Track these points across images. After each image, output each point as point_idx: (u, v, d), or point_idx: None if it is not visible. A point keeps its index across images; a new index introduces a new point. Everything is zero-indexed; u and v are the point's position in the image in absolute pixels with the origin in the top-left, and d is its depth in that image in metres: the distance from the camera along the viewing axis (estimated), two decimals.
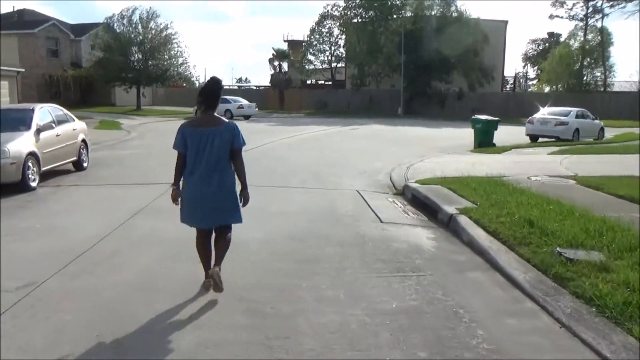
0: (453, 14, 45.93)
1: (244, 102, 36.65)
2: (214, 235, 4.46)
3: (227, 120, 4.35)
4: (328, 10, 50.86)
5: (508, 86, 60.92)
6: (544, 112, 21.98)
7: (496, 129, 18.14)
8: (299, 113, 44.44)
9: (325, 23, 51.54)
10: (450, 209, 7.20)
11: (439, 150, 16.90)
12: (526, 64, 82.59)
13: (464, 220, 6.63)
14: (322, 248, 5.67)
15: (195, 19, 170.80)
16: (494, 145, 17.73)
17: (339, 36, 52.06)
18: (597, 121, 22.48)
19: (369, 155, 15.36)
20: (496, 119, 18.30)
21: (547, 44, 76.44)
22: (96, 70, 40.16)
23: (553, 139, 20.84)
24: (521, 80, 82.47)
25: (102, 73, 39.33)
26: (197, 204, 4.24)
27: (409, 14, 46.17)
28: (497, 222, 6.32)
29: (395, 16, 46.43)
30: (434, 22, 43.95)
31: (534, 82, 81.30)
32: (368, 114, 42.06)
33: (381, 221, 7.07)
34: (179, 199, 4.31)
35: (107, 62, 38.88)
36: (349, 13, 49.38)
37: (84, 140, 11.62)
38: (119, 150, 15.74)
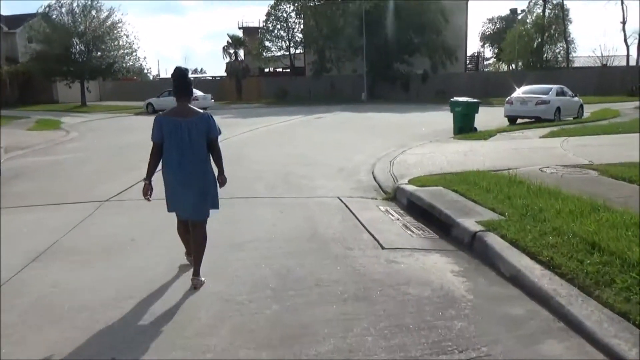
0: None
1: (199, 93, 34.07)
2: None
3: (201, 111, 4.35)
4: None
5: (470, 66, 59.83)
6: (521, 92, 20.58)
7: (477, 112, 16.55)
8: (259, 103, 42.13)
9: (281, 7, 49.12)
10: (470, 224, 5.43)
11: (417, 138, 15.21)
12: (484, 44, 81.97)
13: (495, 242, 4.86)
14: (310, 309, 3.77)
15: (147, 10, 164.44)
16: (475, 130, 16.15)
17: (297, 20, 49.83)
18: (576, 98, 21.25)
19: (343, 148, 13.52)
20: (476, 100, 16.70)
21: (504, 22, 75.97)
22: (34, 64, 36.73)
23: (532, 120, 19.50)
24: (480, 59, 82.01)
25: (41, 67, 35.98)
26: (176, 193, 4.28)
27: None
28: (545, 244, 4.58)
29: None
30: (394, 3, 42.19)
31: (490, 61, 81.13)
32: (331, 100, 40.14)
33: (382, 247, 5.23)
34: (149, 193, 4.32)
35: (46, 56, 35.55)
36: None
37: None
38: (50, 155, 13.38)
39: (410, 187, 7.44)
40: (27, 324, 3.60)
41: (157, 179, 4.31)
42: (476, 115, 16.48)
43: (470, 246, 5.18)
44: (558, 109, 19.43)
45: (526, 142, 13.00)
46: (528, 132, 15.49)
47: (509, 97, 20.13)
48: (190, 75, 4.50)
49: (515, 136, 14.48)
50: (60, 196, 7.92)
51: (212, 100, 34.37)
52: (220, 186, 4.51)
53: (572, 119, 20.45)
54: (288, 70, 54.02)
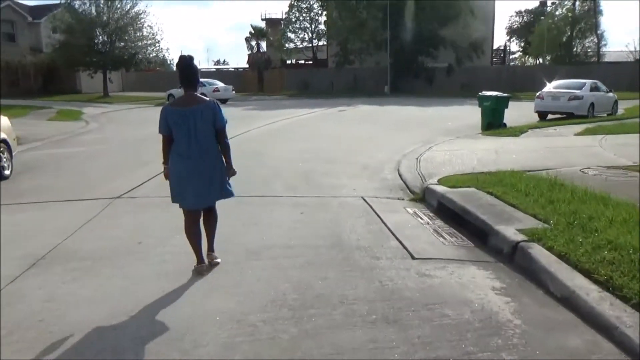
0: None
1: (220, 84, 33.82)
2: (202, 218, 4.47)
3: (208, 99, 4.24)
4: None
5: (495, 60, 58.41)
6: (551, 87, 19.74)
7: (507, 107, 15.84)
8: (280, 95, 41.67)
9: None
10: (510, 232, 4.88)
11: (443, 133, 14.60)
12: (511, 37, 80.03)
13: (542, 255, 4.31)
14: (333, 334, 3.27)
15: (172, 1, 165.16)
16: (505, 125, 15.46)
17: (319, 12, 49.13)
18: (610, 94, 20.31)
19: (366, 143, 12.98)
20: (506, 95, 15.99)
21: (532, 16, 74.09)
22: (58, 55, 36.76)
23: (563, 116, 18.68)
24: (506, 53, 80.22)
25: (64, 58, 35.99)
26: (186, 185, 4.19)
27: None
28: (600, 259, 4.02)
29: None
30: None
31: (515, 55, 79.29)
32: (353, 93, 39.53)
33: (412, 257, 4.71)
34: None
35: (69, 46, 35.53)
36: None
37: (3, 141, 8.98)
38: (66, 147, 13.11)
39: (441, 188, 6.89)
40: (8, 350, 3.17)
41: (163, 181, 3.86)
42: (506, 110, 15.78)
43: (510, 258, 4.64)
44: (592, 104, 18.59)
45: (561, 139, 12.29)
46: (562, 128, 14.74)
47: (539, 92, 19.32)
48: (195, 63, 4.33)
49: (549, 133, 13.75)
50: (71, 192, 7.56)
51: (234, 92, 34.01)
52: (228, 178, 4.43)
53: (605, 115, 19.55)
54: (310, 62, 53.44)
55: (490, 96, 15.75)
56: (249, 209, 6.36)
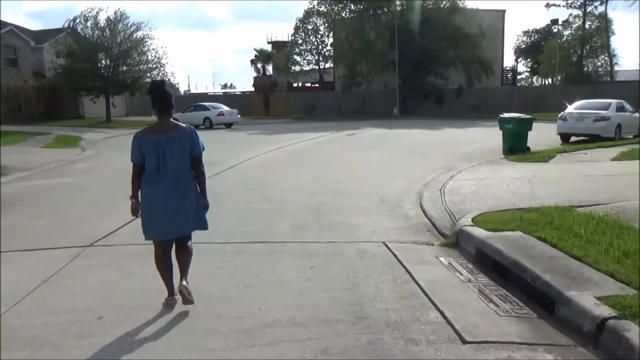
0: (446, 4, 42.65)
1: (225, 108, 32.94)
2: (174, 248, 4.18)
3: (184, 126, 4.05)
4: (314, 6, 47.26)
5: (506, 80, 57.40)
6: (574, 107, 18.56)
7: (530, 130, 14.69)
8: (286, 118, 40.72)
9: (310, 20, 47.90)
10: (589, 302, 3.69)
11: (463, 158, 13.43)
12: (519, 57, 79.18)
13: None
14: None
15: (180, 26, 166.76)
16: (528, 149, 14.28)
17: (326, 34, 48.50)
18: (636, 114, 19.11)
19: (380, 171, 11.82)
20: (530, 116, 14.86)
21: (541, 35, 73.34)
22: (60, 79, 36.08)
23: (587, 138, 17.46)
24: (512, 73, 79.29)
25: (67, 82, 35.29)
26: (157, 214, 3.96)
27: (399, 7, 42.68)
28: None
29: (385, 9, 42.92)
30: (427, 14, 40.51)
31: (522, 75, 78.37)
32: (361, 116, 38.54)
33: (462, 339, 3.50)
34: (139, 210, 4.01)
35: (72, 70, 34.87)
36: (335, 8, 45.79)
37: None
38: (53, 178, 12.04)
39: (479, 232, 5.69)
40: None
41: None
42: (529, 133, 14.64)
43: (595, 340, 3.43)
44: (619, 125, 17.38)
45: (598, 166, 11.06)
46: (593, 152, 13.51)
47: (562, 113, 18.14)
48: (168, 88, 4.15)
49: (581, 158, 12.52)
50: (41, 237, 6.43)
51: (239, 116, 33.07)
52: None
53: (632, 137, 18.32)
54: (317, 84, 52.72)
55: (513, 118, 14.61)
56: (246, 262, 5.19)
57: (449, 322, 3.76)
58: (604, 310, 3.54)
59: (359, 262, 5.19)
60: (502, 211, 6.80)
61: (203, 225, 4.17)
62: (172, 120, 4.03)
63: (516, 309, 4.10)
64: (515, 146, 14.26)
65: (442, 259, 5.42)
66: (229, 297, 4.23)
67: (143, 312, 3.91)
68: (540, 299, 4.16)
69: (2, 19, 37.68)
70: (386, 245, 5.79)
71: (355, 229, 6.58)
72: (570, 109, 18.38)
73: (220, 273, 4.79)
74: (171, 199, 3.92)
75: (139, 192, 3.99)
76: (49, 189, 10.24)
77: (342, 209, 7.79)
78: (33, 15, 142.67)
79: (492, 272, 4.97)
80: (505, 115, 15.04)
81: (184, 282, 4.02)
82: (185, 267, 4.13)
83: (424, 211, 7.59)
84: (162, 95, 4.00)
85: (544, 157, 12.49)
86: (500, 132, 14.96)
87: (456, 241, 5.95)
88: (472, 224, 6.12)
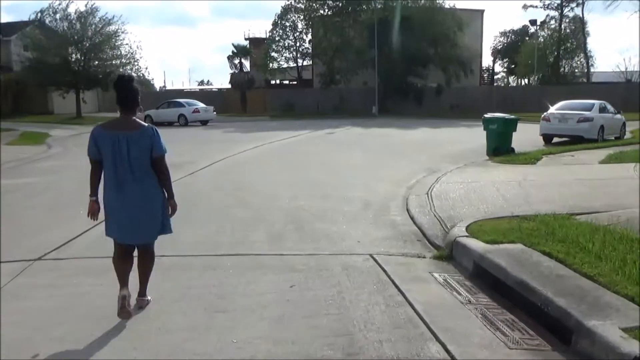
0: (426, 3, 42.34)
1: (200, 105, 31.99)
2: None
3: (145, 125, 3.77)
4: (291, 3, 46.49)
5: (484, 80, 57.53)
6: (557, 108, 18.28)
7: (515, 130, 14.33)
8: (264, 116, 39.91)
9: (288, 16, 47.12)
10: (614, 335, 3.19)
11: (446, 159, 12.99)
12: (496, 57, 79.58)
13: None
14: None
15: (158, 21, 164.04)
16: (513, 151, 13.90)
17: (304, 31, 47.78)
18: (618, 115, 18.94)
19: (362, 172, 11.29)
20: (514, 117, 14.49)
21: (518, 36, 73.83)
22: (28, 74, 34.71)
23: (568, 139, 17.19)
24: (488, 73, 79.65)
25: (35, 77, 33.96)
26: (114, 217, 3.78)
27: (379, 5, 42.21)
28: None
29: (364, 7, 42.39)
30: (406, 13, 40.11)
31: (499, 75, 78.89)
32: (340, 114, 37.98)
33: None
34: (97, 212, 3.82)
35: (40, 64, 33.54)
36: (313, 4, 45.11)
37: None
38: (14, 178, 11.18)
39: (476, 244, 5.16)
40: None
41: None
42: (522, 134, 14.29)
43: None
44: (602, 127, 17.16)
45: (587, 169, 10.69)
46: (580, 155, 13.17)
47: (545, 114, 17.84)
48: (135, 84, 3.85)
49: (568, 161, 12.15)
50: None
51: (214, 113, 32.17)
52: (171, 213, 3.95)
53: (614, 138, 18.14)
54: (295, 82, 51.96)
55: (497, 118, 14.22)
56: (217, 280, 4.56)
57: (453, 359, 3.21)
58: (634, 346, 3.02)
59: (345, 280, 4.61)
60: (497, 219, 6.31)
61: (166, 230, 3.96)
62: (134, 118, 3.77)
63: (527, 338, 3.57)
64: (500, 147, 13.86)
65: (436, 274, 4.87)
66: (194, 326, 3.61)
67: (88, 350, 3.26)
68: (553, 327, 3.64)
69: None
70: (374, 258, 5.23)
71: (339, 239, 6.01)
72: (553, 109, 18.10)
73: (186, 295, 4.16)
74: (133, 203, 3.72)
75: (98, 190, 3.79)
76: (9, 190, 9.39)
77: (323, 214, 7.21)
78: (7, 9, 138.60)
79: (493, 291, 4.45)
80: (489, 115, 14.66)
81: (145, 299, 3.96)
82: (145, 277, 3.99)
83: (411, 217, 7.06)
84: (127, 91, 3.74)
85: (531, 159, 12.09)
86: (484, 132, 14.56)
87: (450, 253, 5.42)
88: (466, 234, 5.60)
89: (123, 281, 3.77)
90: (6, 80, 37.13)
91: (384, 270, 4.85)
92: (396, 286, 4.44)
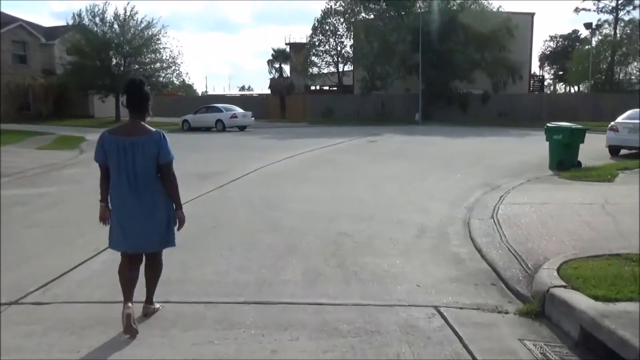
0: (473, 6, 40.57)
1: (238, 110, 31.22)
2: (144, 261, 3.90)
3: (154, 130, 3.70)
4: (331, 6, 45.48)
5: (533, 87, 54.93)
6: (622, 118, 16.47)
7: (582, 142, 12.75)
8: (303, 122, 38.93)
9: (329, 20, 46.10)
10: None
11: (505, 173, 11.58)
12: (543, 63, 76.53)
13: None
14: None
15: (201, 27, 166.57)
16: (580, 164, 12.33)
17: (345, 35, 46.64)
18: None
19: (410, 187, 10.01)
20: (582, 127, 12.92)
21: (567, 41, 70.80)
22: (70, 77, 34.79)
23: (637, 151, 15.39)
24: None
25: (76, 80, 33.97)
26: (120, 225, 3.67)
27: (422, 8, 40.70)
28: None
29: (408, 10, 40.93)
30: (451, 15, 38.47)
31: (545, 83, 75.80)
32: (381, 121, 36.69)
33: None
34: (108, 217, 3.71)
35: (81, 68, 33.56)
36: (355, 8, 43.94)
37: None
38: (32, 187, 10.40)
39: (584, 303, 3.80)
40: None
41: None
42: (581, 145, 12.71)
43: None
44: None
45: None
46: None
47: (612, 124, 16.08)
48: (146, 88, 3.71)
49: None
50: None
51: (253, 118, 31.32)
52: (179, 226, 3.78)
53: None
54: (335, 87, 50.84)
55: (563, 128, 12.68)
56: (232, 346, 3.39)
57: None
58: None
59: (406, 351, 3.36)
60: (592, 258, 4.94)
61: (170, 242, 3.83)
62: (142, 123, 3.65)
63: None
64: (565, 161, 12.32)
65: (529, 344, 3.57)
66: None
67: None
68: None
69: (21, 17, 36.58)
70: (441, 314, 3.98)
71: (393, 279, 4.76)
72: (620, 119, 16.32)
73: None
74: (138, 210, 3.61)
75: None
76: (14, 202, 8.52)
77: (370, 243, 5.98)
78: (56, 15, 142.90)
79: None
80: (554, 124, 13.11)
81: (151, 307, 3.88)
82: (152, 285, 3.91)
83: (478, 250, 5.75)
84: (137, 95, 3.66)
85: (606, 175, 10.52)
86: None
87: (541, 308, 4.11)
88: (562, 282, 4.26)
89: (127, 295, 3.63)
90: (48, 83, 37.39)
91: (458, 337, 3.58)
92: None
